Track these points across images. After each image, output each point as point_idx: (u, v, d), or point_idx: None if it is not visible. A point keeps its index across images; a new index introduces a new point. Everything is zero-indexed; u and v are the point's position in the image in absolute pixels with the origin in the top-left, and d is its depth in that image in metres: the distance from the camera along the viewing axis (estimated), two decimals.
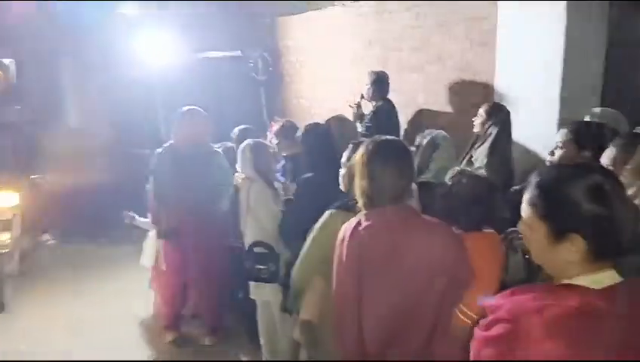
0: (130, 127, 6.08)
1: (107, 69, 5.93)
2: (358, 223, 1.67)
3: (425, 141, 2.46)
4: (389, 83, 4.40)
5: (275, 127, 4.23)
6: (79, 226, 5.48)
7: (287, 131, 3.73)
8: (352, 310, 1.69)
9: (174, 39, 5.89)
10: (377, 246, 1.61)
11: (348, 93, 5.44)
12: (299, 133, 3.47)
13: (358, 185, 1.67)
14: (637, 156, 1.78)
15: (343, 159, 2.16)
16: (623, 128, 2.75)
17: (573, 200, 1.03)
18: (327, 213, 2.11)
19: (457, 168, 1.86)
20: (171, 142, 3.52)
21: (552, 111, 3.44)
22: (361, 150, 1.69)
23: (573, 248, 1.03)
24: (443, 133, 2.54)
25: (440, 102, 4.36)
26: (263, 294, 2.96)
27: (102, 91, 6.22)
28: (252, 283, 3.04)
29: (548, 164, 2.14)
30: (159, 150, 3.55)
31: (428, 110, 4.50)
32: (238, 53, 6.76)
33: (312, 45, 5.89)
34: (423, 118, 4.49)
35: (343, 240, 1.71)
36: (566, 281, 1.06)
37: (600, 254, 1.03)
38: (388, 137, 1.73)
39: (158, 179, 3.49)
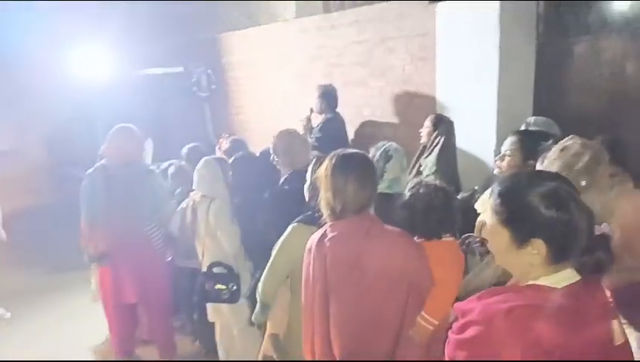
0: (68, 146, 5.83)
1: (41, 86, 5.67)
2: (324, 234, 1.70)
3: (378, 153, 2.53)
4: (337, 96, 4.49)
5: (224, 144, 4.20)
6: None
7: (237, 149, 3.73)
8: (319, 319, 1.71)
9: (113, 55, 5.74)
10: (343, 256, 1.64)
11: (293, 108, 5.50)
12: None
13: (324, 197, 1.70)
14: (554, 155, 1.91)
15: (308, 173, 2.19)
16: (555, 136, 2.96)
17: (533, 207, 1.10)
18: (290, 227, 2.13)
19: (416, 179, 1.93)
20: (102, 161, 3.35)
21: (489, 120, 3.63)
22: (325, 163, 1.72)
23: (535, 251, 1.11)
24: (395, 144, 2.63)
25: (385, 115, 4.50)
26: (223, 315, 2.91)
27: (34, 110, 5.93)
28: (210, 306, 2.98)
29: (496, 171, 2.26)
30: (90, 170, 3.38)
31: (372, 122, 4.62)
32: (180, 69, 6.68)
33: (255, 61, 5.91)
34: (368, 130, 4.61)
35: (309, 250, 1.73)
36: (531, 282, 1.13)
37: (560, 256, 1.11)
38: (351, 150, 1.78)
39: (87, 200, 3.30)
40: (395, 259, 1.63)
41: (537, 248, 1.10)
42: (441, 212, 1.82)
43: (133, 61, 6.02)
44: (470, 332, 1.10)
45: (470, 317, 1.12)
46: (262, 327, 2.36)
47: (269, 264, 2.17)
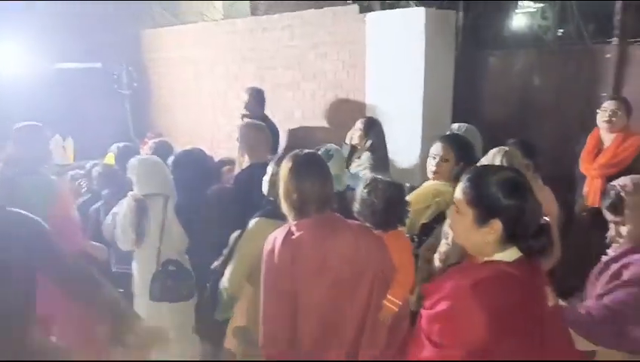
0: None
1: None
2: (289, 233, 1.78)
3: (320, 153, 2.65)
4: (264, 99, 4.52)
5: (149, 144, 4.11)
6: None
7: (162, 151, 3.68)
8: (285, 315, 1.79)
9: (25, 48, 5.37)
10: (311, 252, 1.74)
11: (222, 109, 5.50)
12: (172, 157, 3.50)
13: (287, 197, 1.78)
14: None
15: (267, 174, 2.25)
16: (478, 141, 3.27)
17: (496, 192, 1.30)
18: (252, 222, 2.18)
19: (371, 177, 2.07)
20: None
21: (415, 124, 3.92)
22: (286, 164, 1.81)
23: (493, 231, 1.30)
24: (334, 145, 2.78)
25: (316, 118, 4.65)
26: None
27: None
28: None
29: (431, 174, 2.47)
30: None
31: (304, 125, 4.76)
32: (98, 65, 6.38)
33: (182, 59, 5.82)
34: (300, 133, 4.73)
35: (272, 250, 1.80)
36: (486, 259, 1.33)
37: (512, 237, 1.31)
38: (306, 151, 1.88)
39: None
40: (360, 252, 1.75)
41: (495, 228, 1.29)
42: (398, 205, 2.00)
43: (52, 58, 5.66)
44: (441, 306, 1.28)
45: (441, 294, 1.30)
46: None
47: (235, 258, 2.21)
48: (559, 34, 3.87)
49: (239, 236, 2.26)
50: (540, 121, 3.84)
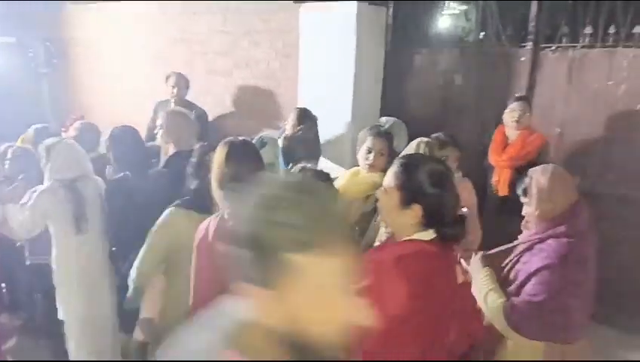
0: None
1: None
2: (222, 221, 1.78)
3: (254, 140, 2.68)
4: (187, 85, 4.44)
5: (75, 125, 3.92)
6: None
7: (89, 133, 3.55)
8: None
9: None
10: None
11: (150, 90, 5.32)
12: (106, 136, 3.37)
13: (220, 183, 1.78)
14: None
15: (190, 162, 2.23)
16: (404, 134, 3.43)
17: (420, 180, 1.41)
18: (167, 211, 2.14)
19: (300, 165, 2.12)
20: None
21: (345, 115, 4.03)
22: (220, 151, 1.81)
23: (414, 214, 1.42)
24: (269, 134, 2.81)
25: (248, 107, 4.64)
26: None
27: None
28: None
29: (365, 166, 2.56)
30: None
31: (235, 113, 4.72)
32: (12, 40, 5.94)
33: (107, 38, 5.55)
34: (231, 122, 4.70)
35: (204, 237, 1.79)
36: (406, 238, 1.45)
37: (431, 221, 1.43)
38: (239, 137, 1.89)
39: None
40: None
41: (416, 212, 1.41)
42: None
43: None
44: (366, 281, 1.36)
45: (365, 269, 1.38)
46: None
47: (144, 248, 2.15)
48: (480, 36, 4.11)
49: None
50: (460, 117, 4.07)
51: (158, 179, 2.66)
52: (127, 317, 2.92)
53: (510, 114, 3.40)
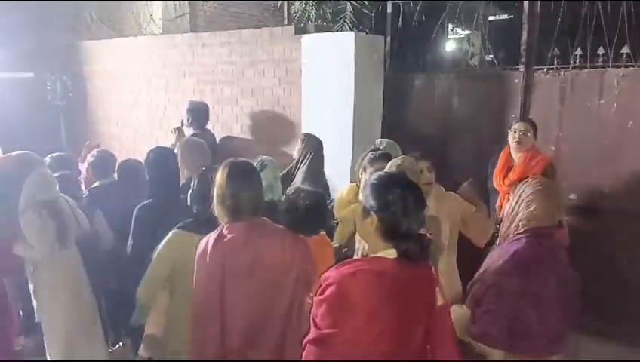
0: None
1: None
2: (220, 236, 1.92)
3: (255, 163, 2.82)
4: (205, 113, 4.67)
5: (90, 155, 4.10)
6: None
7: (104, 160, 3.70)
8: (215, 315, 1.92)
9: None
10: (241, 254, 1.88)
11: (161, 122, 5.54)
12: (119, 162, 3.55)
13: (221, 202, 1.92)
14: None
15: (193, 186, 2.37)
16: (398, 154, 3.54)
17: (380, 192, 1.54)
18: (171, 233, 2.28)
19: (294, 187, 2.26)
20: None
21: (346, 139, 4.17)
22: (222, 170, 1.96)
23: (371, 222, 1.54)
24: (269, 157, 2.96)
25: (254, 133, 4.82)
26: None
27: None
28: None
29: (362, 182, 2.68)
30: None
31: (242, 139, 4.90)
32: (30, 75, 6.24)
33: (122, 72, 5.81)
34: (238, 147, 4.87)
35: (204, 251, 1.93)
36: (372, 255, 1.57)
37: (388, 233, 1.53)
38: (239, 159, 2.04)
39: None
40: (286, 254, 1.92)
41: (372, 220, 1.54)
42: (319, 212, 2.19)
43: None
44: (328, 291, 1.51)
45: (328, 281, 1.53)
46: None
47: (149, 268, 2.29)
48: (488, 59, 4.25)
49: None
50: (459, 138, 4.20)
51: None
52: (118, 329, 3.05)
53: (512, 135, 3.45)
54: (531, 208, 2.01)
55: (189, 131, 4.64)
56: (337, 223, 2.78)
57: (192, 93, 5.14)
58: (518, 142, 3.42)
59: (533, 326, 1.95)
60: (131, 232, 2.83)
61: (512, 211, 2.06)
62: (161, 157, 2.93)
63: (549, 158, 3.41)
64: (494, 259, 2.05)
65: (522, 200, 2.04)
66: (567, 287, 2.05)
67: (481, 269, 2.11)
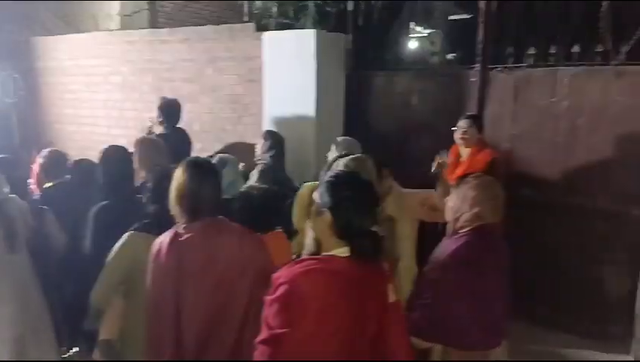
0: None
1: None
2: (176, 235, 1.88)
3: (214, 161, 2.79)
4: (176, 111, 4.36)
5: (41, 155, 3.96)
6: None
7: (56, 161, 3.58)
8: (170, 316, 1.88)
9: None
10: (197, 254, 1.85)
11: (118, 118, 5.41)
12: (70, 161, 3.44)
13: (179, 201, 1.88)
14: None
15: (149, 186, 2.31)
16: (358, 151, 3.56)
17: (333, 190, 1.54)
18: (126, 235, 2.22)
19: (249, 184, 2.25)
20: None
21: (309, 135, 4.18)
22: (180, 169, 1.92)
23: (324, 220, 1.53)
24: (229, 155, 2.93)
25: (215, 131, 4.76)
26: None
27: None
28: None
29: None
30: None
31: (203, 137, 4.83)
32: None
33: (77, 68, 5.64)
34: (199, 146, 4.79)
35: (159, 251, 1.89)
36: (325, 253, 1.56)
37: (340, 231, 1.52)
38: (199, 158, 2.01)
39: None
40: (243, 253, 1.89)
41: (326, 217, 1.52)
42: (272, 208, 2.18)
43: None
44: (279, 291, 1.49)
45: (280, 281, 1.51)
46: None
47: (103, 270, 2.22)
48: (450, 57, 4.33)
49: None
50: (419, 135, 4.26)
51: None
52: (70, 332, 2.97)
53: (457, 132, 3.53)
54: (475, 210, 2.05)
55: (160, 130, 4.47)
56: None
57: (151, 91, 5.04)
58: (462, 138, 3.51)
59: (469, 321, 2.00)
60: (89, 234, 2.75)
61: (457, 211, 2.09)
62: (116, 157, 2.85)
63: (494, 153, 3.49)
64: (437, 255, 2.10)
65: (467, 200, 2.07)
66: (504, 281, 2.11)
67: (427, 265, 2.15)
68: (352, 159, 2.42)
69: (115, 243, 2.27)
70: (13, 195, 2.89)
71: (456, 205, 2.09)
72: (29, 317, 2.80)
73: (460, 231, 2.08)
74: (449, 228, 2.15)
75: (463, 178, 2.24)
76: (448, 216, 2.16)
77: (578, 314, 3.69)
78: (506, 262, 2.14)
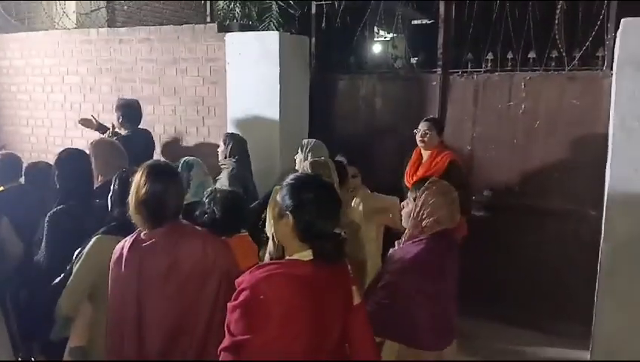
0: None
1: None
2: (137, 240, 1.84)
3: (179, 165, 2.74)
4: (139, 111, 4.31)
5: None
6: None
7: (9, 164, 3.44)
8: (132, 322, 1.83)
9: None
10: (159, 259, 1.81)
11: (76, 121, 5.23)
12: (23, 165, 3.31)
13: (138, 207, 1.83)
14: None
15: (112, 190, 2.25)
16: (325, 154, 3.58)
17: (295, 193, 1.52)
18: (94, 238, 2.16)
19: (211, 188, 2.22)
20: None
21: (273, 138, 4.17)
22: (139, 174, 1.86)
23: (287, 222, 1.51)
24: (193, 157, 2.88)
25: (177, 133, 4.68)
26: None
27: None
28: None
29: None
30: None
31: (165, 140, 4.74)
32: None
33: (31, 68, 5.42)
34: (161, 148, 4.71)
35: (120, 257, 1.84)
36: (288, 257, 1.55)
37: (303, 234, 1.50)
38: (160, 161, 1.97)
39: None
40: (207, 257, 1.86)
41: (288, 220, 1.50)
42: (237, 212, 2.16)
43: None
44: (241, 297, 1.47)
45: (242, 286, 1.49)
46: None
47: (72, 277, 2.15)
48: (413, 62, 4.38)
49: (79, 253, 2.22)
50: (382, 138, 4.32)
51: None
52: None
53: (417, 135, 3.60)
54: (435, 217, 2.10)
55: (122, 132, 4.32)
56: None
57: (110, 92, 4.90)
58: (422, 141, 3.58)
59: (428, 322, 2.07)
60: (44, 240, 2.65)
61: (417, 217, 2.13)
62: (72, 159, 2.75)
63: (453, 155, 3.57)
64: (395, 259, 2.13)
65: (425, 206, 2.12)
66: (455, 284, 2.19)
67: (382, 266, 2.19)
68: (313, 162, 2.43)
69: (71, 249, 2.20)
70: None
71: (414, 211, 2.13)
72: None
73: (420, 236, 2.12)
74: (407, 233, 2.19)
75: (418, 182, 2.29)
76: (405, 221, 2.19)
77: (539, 312, 3.82)
78: (457, 264, 2.21)
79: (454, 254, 2.20)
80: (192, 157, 2.85)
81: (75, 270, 2.15)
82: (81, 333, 2.20)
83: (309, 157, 2.99)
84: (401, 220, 2.23)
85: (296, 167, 2.84)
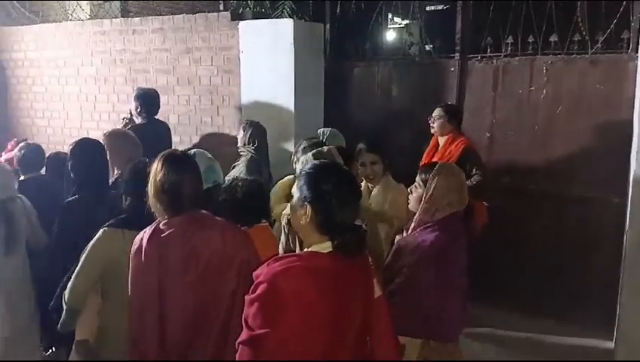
0: None
1: None
2: (156, 231, 1.81)
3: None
4: (157, 101, 4.26)
5: (18, 149, 3.82)
6: None
7: (32, 155, 3.45)
8: (153, 312, 1.82)
9: None
10: (179, 249, 1.79)
11: (92, 112, 5.25)
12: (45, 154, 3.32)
13: (158, 196, 1.81)
14: None
15: (124, 182, 2.23)
16: (341, 142, 3.53)
17: (315, 183, 1.47)
18: (100, 231, 2.14)
19: (232, 176, 2.18)
20: None
21: (288, 126, 4.13)
22: (157, 163, 1.84)
23: (306, 213, 1.46)
24: (198, 149, 2.85)
25: (192, 123, 4.66)
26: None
27: None
28: None
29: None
30: None
31: (180, 129, 4.73)
32: None
33: (46, 60, 5.43)
34: (176, 138, 4.69)
35: (139, 248, 1.82)
36: (306, 249, 1.51)
37: (322, 225, 1.46)
38: (176, 151, 1.94)
39: None
40: (227, 247, 1.83)
41: (307, 210, 1.45)
42: (257, 201, 2.13)
43: None
44: (259, 290, 1.42)
45: (259, 279, 1.45)
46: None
47: (77, 269, 2.14)
48: (428, 48, 4.30)
49: None
50: (398, 125, 4.25)
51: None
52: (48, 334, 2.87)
53: (430, 121, 3.53)
54: (447, 200, 2.07)
55: (138, 121, 4.31)
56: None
57: (125, 82, 4.90)
58: (433, 128, 3.51)
59: (446, 311, 2.03)
60: (55, 230, 2.64)
61: (428, 200, 2.09)
62: (87, 150, 2.73)
63: (468, 142, 3.49)
64: (409, 250, 2.07)
65: (438, 190, 2.07)
66: (468, 268, 2.15)
67: (392, 258, 2.14)
68: (316, 153, 2.36)
69: (83, 241, 2.19)
70: (20, 195, 2.81)
71: (425, 195, 2.08)
72: (18, 319, 2.71)
73: (432, 220, 2.08)
74: (416, 218, 2.14)
75: (426, 166, 2.24)
76: (414, 205, 2.14)
77: (560, 300, 3.75)
78: (467, 248, 2.17)
79: (464, 238, 2.15)
80: (196, 150, 2.82)
81: (80, 263, 2.14)
82: (87, 327, 2.19)
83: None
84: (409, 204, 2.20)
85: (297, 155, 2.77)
